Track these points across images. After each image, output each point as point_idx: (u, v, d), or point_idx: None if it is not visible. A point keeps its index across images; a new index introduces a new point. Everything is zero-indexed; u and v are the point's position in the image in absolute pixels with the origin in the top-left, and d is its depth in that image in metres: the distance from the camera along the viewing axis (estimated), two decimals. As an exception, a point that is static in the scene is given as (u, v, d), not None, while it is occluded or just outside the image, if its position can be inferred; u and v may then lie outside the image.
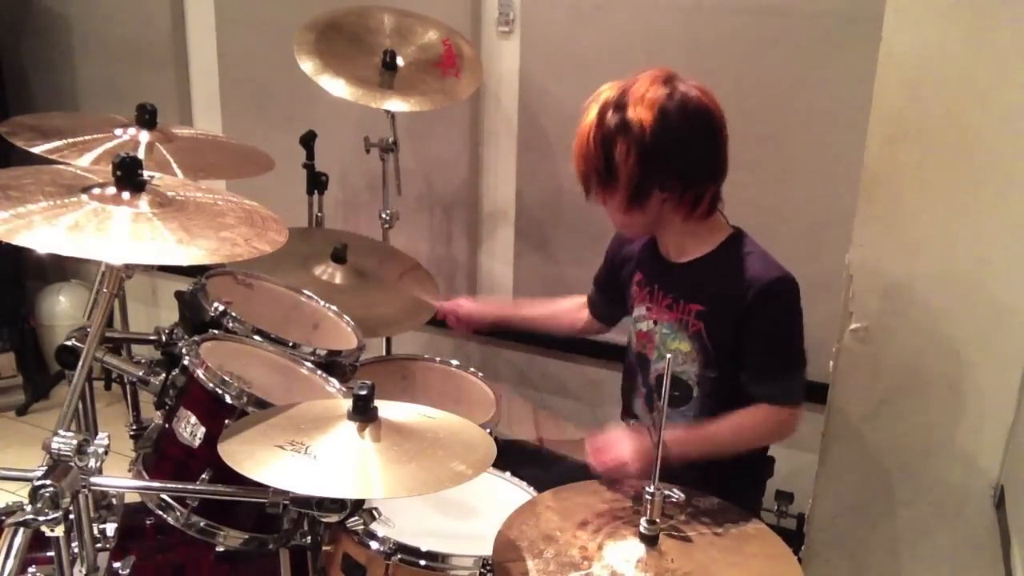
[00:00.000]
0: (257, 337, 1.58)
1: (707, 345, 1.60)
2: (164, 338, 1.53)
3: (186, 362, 1.40)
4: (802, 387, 1.59)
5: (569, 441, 1.78)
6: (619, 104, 1.51)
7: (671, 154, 1.51)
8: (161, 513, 1.37)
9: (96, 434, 1.18)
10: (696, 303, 1.60)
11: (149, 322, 2.54)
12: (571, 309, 2.00)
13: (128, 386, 2.05)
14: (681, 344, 1.63)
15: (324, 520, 1.20)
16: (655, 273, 1.70)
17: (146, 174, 1.28)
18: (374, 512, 1.28)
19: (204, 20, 2.95)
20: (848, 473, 1.74)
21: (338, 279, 2.07)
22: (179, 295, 1.67)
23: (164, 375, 1.45)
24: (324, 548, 1.38)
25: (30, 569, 1.25)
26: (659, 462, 1.18)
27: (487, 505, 1.55)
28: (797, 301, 1.57)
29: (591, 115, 1.54)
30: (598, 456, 1.55)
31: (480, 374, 2.03)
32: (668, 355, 1.63)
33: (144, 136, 1.76)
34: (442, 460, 1.20)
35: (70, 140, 1.65)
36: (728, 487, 1.40)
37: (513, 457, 1.67)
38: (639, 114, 1.49)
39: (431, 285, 2.25)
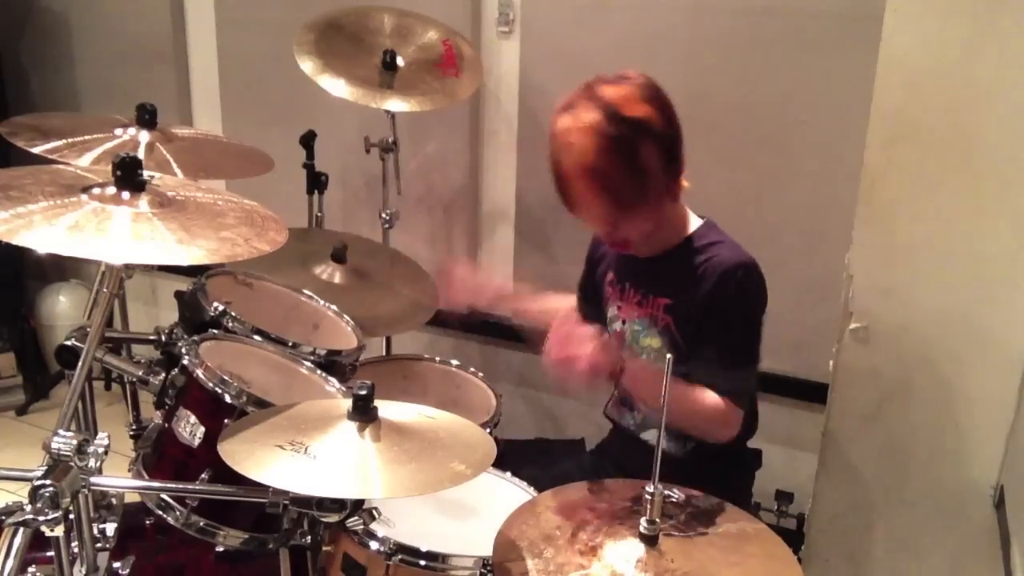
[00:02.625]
0: (257, 337, 1.58)
1: (677, 340, 1.58)
2: (164, 338, 1.54)
3: (186, 362, 1.40)
4: (750, 386, 1.54)
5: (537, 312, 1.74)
6: (612, 115, 1.45)
7: (676, 134, 1.50)
8: (161, 513, 1.37)
9: (96, 434, 1.18)
10: (663, 296, 1.58)
11: (149, 322, 2.54)
12: (565, 309, 1.98)
13: (128, 386, 2.05)
14: (652, 340, 1.61)
15: (324, 520, 1.20)
16: (625, 270, 1.68)
17: (146, 174, 1.28)
18: (374, 512, 1.28)
19: (204, 20, 2.96)
20: (848, 473, 1.74)
21: (338, 279, 2.07)
22: (179, 295, 1.67)
23: (164, 375, 1.45)
24: (324, 548, 1.38)
25: (30, 569, 1.25)
26: (659, 462, 1.18)
27: (487, 505, 1.55)
28: (759, 291, 1.53)
29: (584, 144, 1.46)
30: (556, 341, 1.48)
31: (480, 374, 2.03)
32: (669, 356, 1.62)
33: (144, 136, 1.76)
34: (442, 460, 1.20)
35: (70, 140, 1.65)
36: (716, 481, 1.39)
37: (513, 457, 1.67)
38: (640, 110, 1.45)
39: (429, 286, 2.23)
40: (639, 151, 1.46)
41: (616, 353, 1.50)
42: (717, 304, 1.51)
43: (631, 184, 1.48)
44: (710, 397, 1.52)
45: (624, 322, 1.67)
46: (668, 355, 1.30)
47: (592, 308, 1.87)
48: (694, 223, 1.60)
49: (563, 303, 1.99)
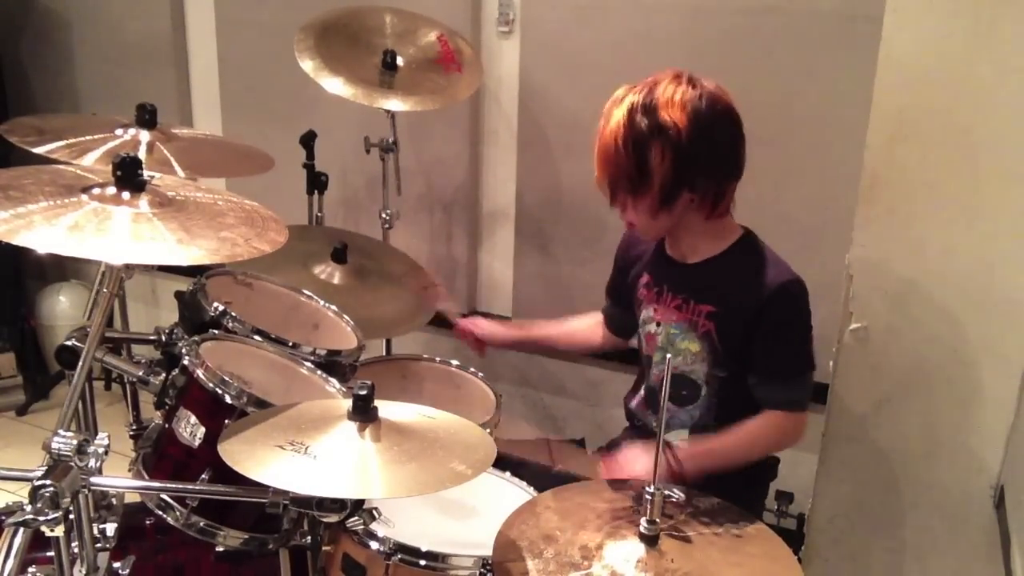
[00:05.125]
0: (257, 337, 1.58)
1: (717, 346, 1.60)
2: (164, 338, 1.53)
3: (186, 362, 1.40)
4: (809, 392, 1.60)
5: (579, 464, 1.78)
6: (648, 107, 1.49)
7: (704, 154, 1.51)
8: (161, 513, 1.37)
9: (96, 434, 1.18)
10: (707, 304, 1.60)
11: (149, 322, 2.53)
12: (587, 327, 1.98)
13: (128, 386, 2.05)
14: (690, 344, 1.63)
15: (324, 520, 1.20)
16: (664, 274, 1.69)
17: (146, 174, 1.28)
18: (374, 512, 1.28)
19: (204, 20, 2.96)
20: (848, 473, 1.74)
21: (338, 279, 2.07)
22: (179, 295, 1.67)
23: (164, 375, 1.45)
24: (324, 548, 1.37)
25: (30, 569, 1.25)
26: (659, 460, 1.18)
27: (487, 505, 1.55)
28: (807, 305, 1.57)
29: (617, 119, 1.51)
30: (613, 475, 1.56)
31: (480, 374, 2.03)
32: (669, 355, 1.63)
33: (144, 136, 1.76)
34: (442, 460, 1.20)
35: (70, 140, 1.65)
36: (730, 490, 1.40)
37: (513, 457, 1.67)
38: (673, 116, 1.48)
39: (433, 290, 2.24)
40: (647, 149, 1.50)
41: (672, 458, 1.57)
42: (770, 324, 1.55)
43: (627, 173, 1.53)
44: (766, 425, 1.57)
45: (659, 324, 1.68)
46: (668, 355, 1.31)
47: (620, 311, 1.88)
48: (736, 233, 1.64)
49: (584, 321, 1.99)
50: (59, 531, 1.12)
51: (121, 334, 1.96)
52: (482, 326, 2.06)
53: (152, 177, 1.30)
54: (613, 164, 1.53)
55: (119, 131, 1.76)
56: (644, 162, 1.50)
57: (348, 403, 1.23)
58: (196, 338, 1.48)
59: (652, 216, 1.57)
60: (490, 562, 1.29)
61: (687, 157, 1.49)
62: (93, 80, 3.23)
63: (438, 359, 2.08)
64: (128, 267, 1.28)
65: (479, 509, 1.57)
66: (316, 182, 2.41)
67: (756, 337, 1.56)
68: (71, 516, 1.18)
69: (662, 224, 1.60)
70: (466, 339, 2.08)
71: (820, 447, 1.75)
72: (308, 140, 2.39)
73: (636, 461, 1.56)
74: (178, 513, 1.36)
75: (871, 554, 1.77)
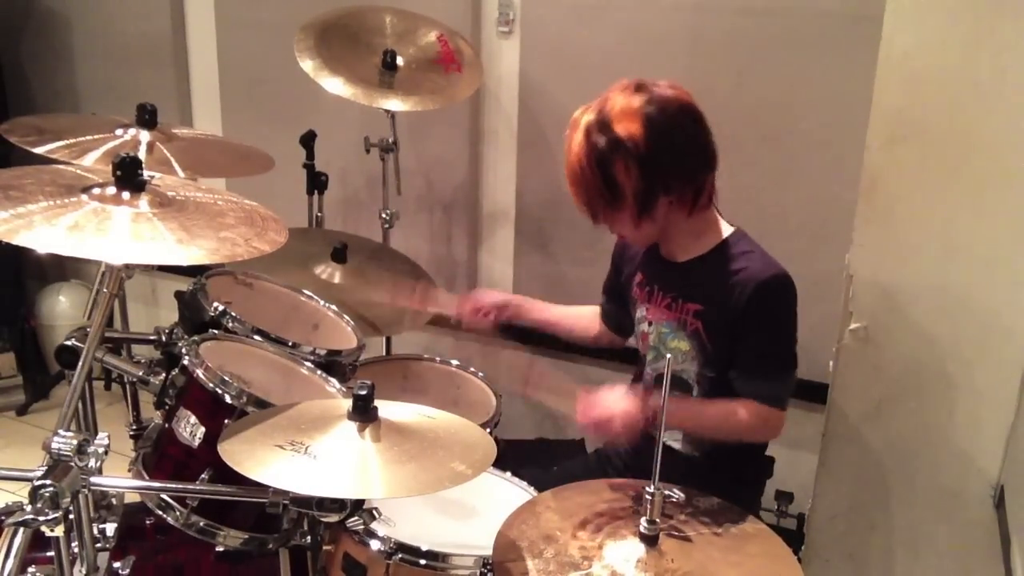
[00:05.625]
0: (257, 337, 1.58)
1: (706, 344, 1.60)
2: (164, 338, 1.54)
3: (186, 362, 1.40)
4: (789, 390, 1.59)
5: (557, 390, 1.75)
6: (602, 124, 1.50)
7: (668, 157, 1.51)
8: (161, 513, 1.37)
9: (96, 434, 1.18)
10: (694, 302, 1.60)
11: (149, 322, 2.54)
12: (586, 316, 1.97)
13: (128, 386, 2.05)
14: (680, 343, 1.63)
15: (324, 520, 1.20)
16: (655, 274, 1.70)
17: (146, 174, 1.28)
18: (374, 512, 1.28)
19: (204, 20, 2.96)
20: (848, 473, 1.74)
21: (338, 279, 2.07)
22: (179, 295, 1.67)
23: (164, 375, 1.45)
24: (324, 548, 1.38)
25: (30, 569, 1.25)
26: (659, 460, 1.18)
27: (487, 505, 1.55)
28: (793, 301, 1.56)
29: (577, 142, 1.53)
30: (586, 410, 1.55)
31: (480, 374, 2.03)
32: (668, 355, 1.63)
33: (144, 136, 1.77)
34: (442, 460, 1.20)
35: (71, 140, 1.65)
36: (726, 488, 1.40)
37: (513, 457, 1.67)
38: (626, 128, 1.48)
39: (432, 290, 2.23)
40: (612, 165, 1.51)
41: (645, 403, 1.56)
42: (754, 317, 1.54)
43: (599, 193, 1.54)
44: (747, 410, 1.56)
45: (651, 324, 1.69)
46: (667, 355, 1.31)
47: (616, 309, 1.88)
48: (725, 231, 1.63)
49: (584, 310, 1.98)
50: (59, 531, 1.12)
51: (121, 334, 1.96)
52: (480, 297, 1.97)
53: (152, 177, 1.30)
54: (584, 186, 1.54)
55: (119, 131, 1.76)
56: (611, 178, 1.51)
57: (348, 403, 1.23)
58: (196, 338, 1.48)
59: (635, 227, 1.58)
60: (490, 562, 1.29)
61: (652, 164, 1.50)
62: (93, 80, 3.23)
63: (438, 359, 2.08)
64: (128, 267, 1.28)
65: (479, 509, 1.57)
66: (316, 182, 2.41)
67: (739, 332, 1.56)
68: (71, 516, 1.18)
69: (648, 231, 1.60)
70: (466, 316, 1.95)
71: (820, 447, 1.75)
72: (308, 140, 2.39)
73: (612, 401, 1.54)
74: (178, 513, 1.36)
75: (870, 554, 1.77)
